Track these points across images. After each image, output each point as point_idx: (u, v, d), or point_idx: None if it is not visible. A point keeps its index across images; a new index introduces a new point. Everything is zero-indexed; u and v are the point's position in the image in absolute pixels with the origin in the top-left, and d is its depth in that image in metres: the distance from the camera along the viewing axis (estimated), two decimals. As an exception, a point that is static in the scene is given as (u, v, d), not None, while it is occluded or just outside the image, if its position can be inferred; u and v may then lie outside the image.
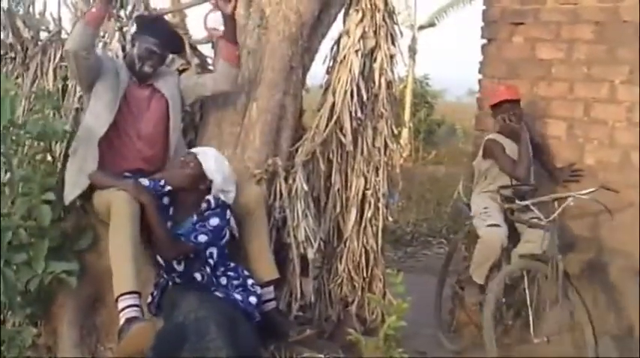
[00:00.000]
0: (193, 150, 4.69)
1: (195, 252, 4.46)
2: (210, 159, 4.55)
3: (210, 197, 4.54)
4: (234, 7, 4.90)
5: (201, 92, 5.08)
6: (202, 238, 4.45)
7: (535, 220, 5.47)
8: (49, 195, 4.59)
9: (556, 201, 5.40)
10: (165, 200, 4.62)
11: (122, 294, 4.30)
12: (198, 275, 4.47)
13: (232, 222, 4.65)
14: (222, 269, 4.54)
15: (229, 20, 4.93)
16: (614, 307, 5.70)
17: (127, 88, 4.81)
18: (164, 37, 4.94)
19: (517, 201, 5.59)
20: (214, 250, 4.51)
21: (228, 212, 4.58)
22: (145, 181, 4.60)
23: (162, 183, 4.63)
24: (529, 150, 5.73)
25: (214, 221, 4.50)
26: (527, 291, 5.50)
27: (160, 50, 4.89)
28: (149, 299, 4.57)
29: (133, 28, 5.23)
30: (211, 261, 4.50)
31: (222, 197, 4.56)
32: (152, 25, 5.01)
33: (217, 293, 4.44)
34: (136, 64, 4.85)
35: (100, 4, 4.59)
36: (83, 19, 4.61)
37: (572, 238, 5.80)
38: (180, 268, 4.49)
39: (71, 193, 4.71)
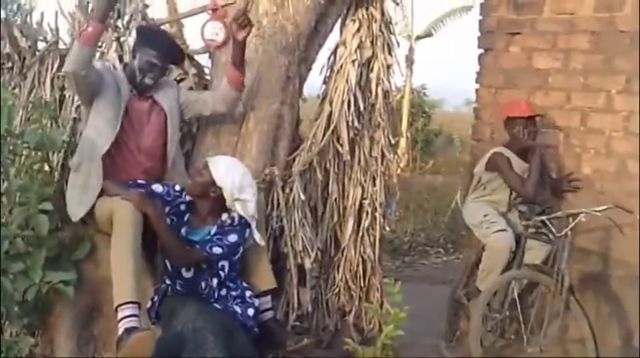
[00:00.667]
0: (207, 158, 4.65)
1: (208, 262, 4.45)
2: (220, 167, 4.50)
3: (234, 214, 4.52)
4: (248, 34, 4.89)
5: (202, 110, 5.08)
6: (217, 250, 4.43)
7: (545, 236, 5.53)
8: (47, 204, 4.58)
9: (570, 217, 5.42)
10: (182, 206, 4.63)
11: (121, 304, 4.30)
12: (202, 284, 4.47)
13: (255, 233, 4.63)
14: (226, 282, 4.54)
15: (239, 46, 4.92)
16: (614, 317, 5.69)
17: (127, 101, 4.81)
18: (165, 49, 4.90)
19: (534, 217, 5.60)
20: (226, 263, 4.51)
21: (247, 231, 4.56)
22: (159, 187, 4.62)
23: (177, 188, 4.64)
24: (539, 168, 5.69)
25: (232, 237, 4.49)
26: (517, 301, 5.54)
27: (161, 62, 4.86)
28: (149, 305, 4.56)
29: (133, 40, 5.20)
30: (222, 274, 4.50)
31: (237, 207, 4.51)
32: (153, 37, 4.97)
33: (216, 305, 4.44)
34: (137, 77, 4.82)
35: (94, 22, 4.54)
36: (79, 39, 4.54)
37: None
38: (188, 275, 4.48)
39: (77, 212, 4.70)
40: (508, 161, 5.77)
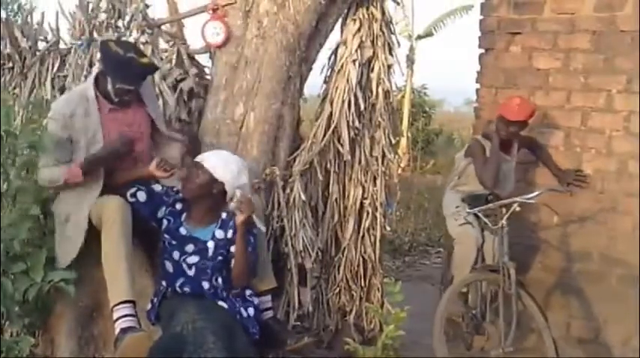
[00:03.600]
0: (197, 158, 4.59)
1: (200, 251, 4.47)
2: (215, 162, 4.48)
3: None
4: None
5: None
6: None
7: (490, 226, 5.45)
8: (35, 209, 4.54)
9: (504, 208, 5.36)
10: (178, 206, 4.61)
11: (117, 304, 4.30)
12: (206, 284, 4.45)
13: (255, 219, 4.59)
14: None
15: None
16: (614, 317, 5.69)
17: (105, 116, 4.70)
18: (133, 74, 4.65)
19: (467, 209, 5.59)
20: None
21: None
22: (158, 186, 4.62)
23: (174, 189, 4.63)
24: (496, 156, 5.67)
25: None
26: (479, 302, 5.53)
27: (134, 85, 4.67)
28: (148, 306, 4.55)
29: (99, 59, 4.95)
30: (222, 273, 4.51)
31: (237, 194, 4.46)
32: (118, 65, 4.61)
33: (222, 303, 4.42)
34: (114, 98, 4.67)
35: (78, 170, 4.54)
36: (65, 176, 4.54)
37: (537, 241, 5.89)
38: (190, 272, 4.45)
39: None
40: (482, 148, 5.78)
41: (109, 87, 4.63)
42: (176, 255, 4.47)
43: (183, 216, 4.58)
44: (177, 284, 4.47)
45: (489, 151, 5.71)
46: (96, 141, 4.63)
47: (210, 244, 4.46)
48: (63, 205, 4.68)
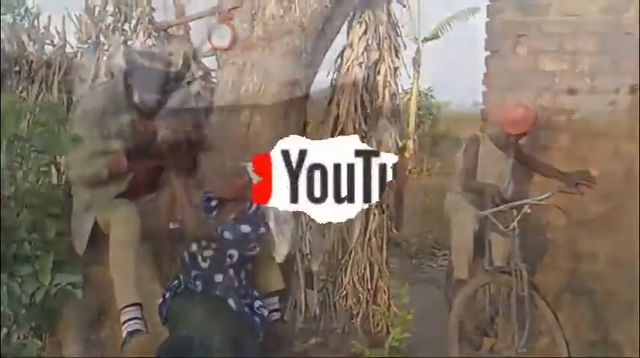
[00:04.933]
0: (243, 163, 4.59)
1: (217, 250, 4.41)
2: None
3: (254, 206, 4.49)
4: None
5: None
6: (227, 235, 4.38)
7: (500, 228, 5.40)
8: (54, 208, 4.58)
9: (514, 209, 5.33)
10: (214, 202, 4.62)
11: (124, 307, 4.31)
12: (220, 276, 4.44)
13: (279, 247, 4.56)
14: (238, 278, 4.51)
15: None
16: (614, 317, 5.69)
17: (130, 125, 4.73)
18: (159, 86, 4.73)
19: (478, 212, 5.56)
20: (235, 253, 4.43)
21: (262, 227, 4.53)
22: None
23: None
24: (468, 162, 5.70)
25: (245, 228, 4.44)
26: (487, 304, 5.52)
27: (161, 94, 4.72)
28: (160, 300, 4.54)
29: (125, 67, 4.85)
30: (229, 261, 4.42)
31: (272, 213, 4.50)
32: (145, 77, 4.69)
33: (231, 301, 4.41)
34: (143, 109, 4.71)
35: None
36: (106, 164, 4.58)
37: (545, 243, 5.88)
38: (204, 265, 4.43)
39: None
40: (476, 144, 5.76)
41: (137, 100, 4.66)
42: (194, 246, 4.46)
43: (214, 213, 4.58)
44: (191, 276, 4.45)
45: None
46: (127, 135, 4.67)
47: (218, 229, 4.42)
48: (84, 194, 4.70)
